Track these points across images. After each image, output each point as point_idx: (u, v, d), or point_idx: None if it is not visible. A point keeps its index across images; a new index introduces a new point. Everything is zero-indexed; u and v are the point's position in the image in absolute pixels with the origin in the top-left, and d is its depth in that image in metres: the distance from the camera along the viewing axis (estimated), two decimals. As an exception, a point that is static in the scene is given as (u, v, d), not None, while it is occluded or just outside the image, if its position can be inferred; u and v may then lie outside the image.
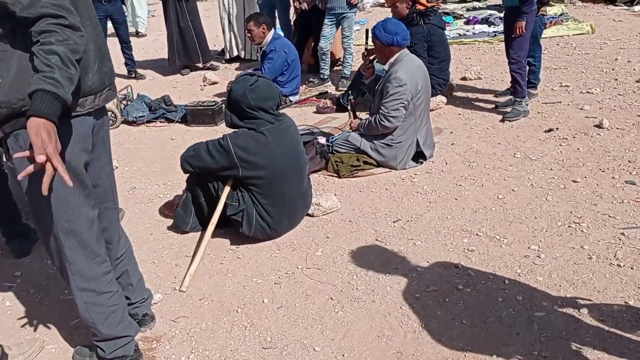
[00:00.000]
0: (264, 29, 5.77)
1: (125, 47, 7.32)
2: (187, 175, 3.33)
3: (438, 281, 2.69)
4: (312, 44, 6.96)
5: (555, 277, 2.65)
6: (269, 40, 5.85)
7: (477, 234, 3.09)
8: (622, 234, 2.96)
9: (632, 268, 2.67)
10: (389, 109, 3.89)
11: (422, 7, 5.14)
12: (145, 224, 3.51)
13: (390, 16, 5.36)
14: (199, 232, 3.30)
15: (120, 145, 4.99)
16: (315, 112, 5.61)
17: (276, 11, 7.40)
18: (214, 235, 3.18)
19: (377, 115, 3.96)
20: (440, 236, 3.11)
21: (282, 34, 7.42)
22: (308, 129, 5.05)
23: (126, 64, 7.45)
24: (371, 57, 4.44)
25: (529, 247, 2.92)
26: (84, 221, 1.90)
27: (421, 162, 4.13)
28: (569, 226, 3.09)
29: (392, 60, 4.05)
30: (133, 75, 7.42)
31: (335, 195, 3.64)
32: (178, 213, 3.33)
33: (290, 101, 6.03)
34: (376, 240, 3.13)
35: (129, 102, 5.81)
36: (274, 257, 3.06)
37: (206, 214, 3.26)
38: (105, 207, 2.13)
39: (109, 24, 7.15)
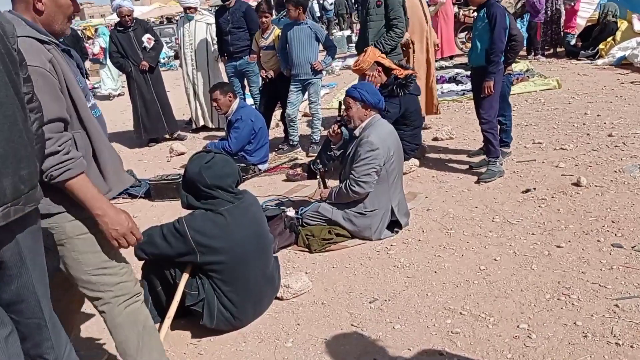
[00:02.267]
0: (230, 97, 5.64)
1: None
2: (142, 262, 3.05)
3: (421, 373, 2.41)
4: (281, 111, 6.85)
5: (550, 362, 2.40)
6: (234, 109, 5.71)
7: (460, 313, 2.84)
8: (616, 305, 2.73)
9: (632, 347, 2.43)
10: (360, 173, 3.70)
11: (401, 75, 5.04)
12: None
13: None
14: (157, 325, 2.98)
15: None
16: (285, 180, 5.40)
17: (246, 79, 7.32)
18: (173, 328, 2.88)
19: (348, 181, 3.76)
20: (421, 317, 2.85)
21: (251, 101, 7.32)
22: (277, 199, 4.84)
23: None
24: (339, 122, 4.30)
25: (517, 326, 2.67)
26: None
27: (397, 231, 3.91)
28: (558, 299, 2.86)
29: (363, 124, 3.90)
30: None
31: (306, 273, 3.38)
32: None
33: (259, 170, 5.83)
34: (352, 325, 2.84)
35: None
36: (239, 351, 2.75)
37: (164, 304, 2.96)
38: (35, 323, 1.86)
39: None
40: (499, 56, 4.58)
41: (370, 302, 3.04)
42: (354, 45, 8.01)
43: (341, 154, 4.21)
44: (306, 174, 5.34)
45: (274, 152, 6.23)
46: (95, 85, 13.10)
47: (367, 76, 5.22)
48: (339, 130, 4.24)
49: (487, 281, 3.12)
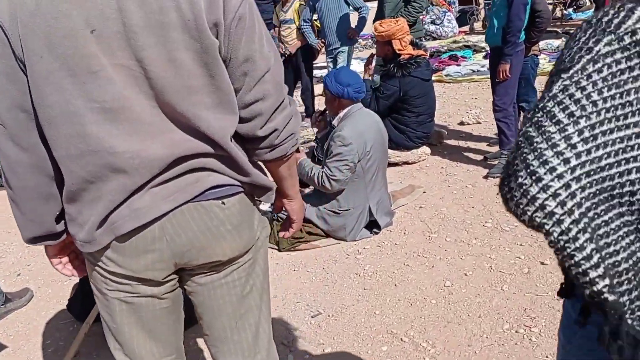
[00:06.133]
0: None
1: None
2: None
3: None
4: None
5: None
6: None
7: (401, 339, 2.53)
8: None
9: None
10: (332, 169, 3.40)
11: (406, 56, 4.60)
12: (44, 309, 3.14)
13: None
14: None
15: None
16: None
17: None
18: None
19: (321, 173, 3.46)
20: (357, 340, 2.57)
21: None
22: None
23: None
24: (322, 110, 3.99)
25: (457, 362, 2.34)
26: None
27: (376, 232, 3.60)
28: (516, 331, 2.47)
29: (341, 115, 3.57)
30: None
31: (259, 277, 3.16)
32: (69, 301, 2.94)
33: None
34: (282, 343, 2.61)
35: None
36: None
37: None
38: None
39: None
40: (516, 36, 4.06)
41: (312, 317, 2.79)
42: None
43: (322, 143, 3.90)
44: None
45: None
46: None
47: (385, 47, 4.78)
48: (320, 118, 3.93)
49: (447, 301, 2.77)
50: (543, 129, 0.76)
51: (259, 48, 1.23)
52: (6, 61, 1.16)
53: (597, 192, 0.76)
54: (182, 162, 1.23)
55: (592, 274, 0.75)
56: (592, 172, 0.75)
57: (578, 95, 0.76)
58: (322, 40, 6.28)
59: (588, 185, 0.75)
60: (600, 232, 0.77)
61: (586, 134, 0.76)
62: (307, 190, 3.94)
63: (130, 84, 1.15)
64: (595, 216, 0.76)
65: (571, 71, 0.78)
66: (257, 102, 1.26)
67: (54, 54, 1.12)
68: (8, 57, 1.16)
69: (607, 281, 0.75)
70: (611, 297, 0.76)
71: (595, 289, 0.75)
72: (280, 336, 2.66)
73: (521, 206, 0.76)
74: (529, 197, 0.75)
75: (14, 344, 2.88)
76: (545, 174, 0.74)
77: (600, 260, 0.76)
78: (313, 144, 5.16)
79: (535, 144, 0.76)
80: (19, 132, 1.20)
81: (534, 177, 0.75)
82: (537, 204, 0.75)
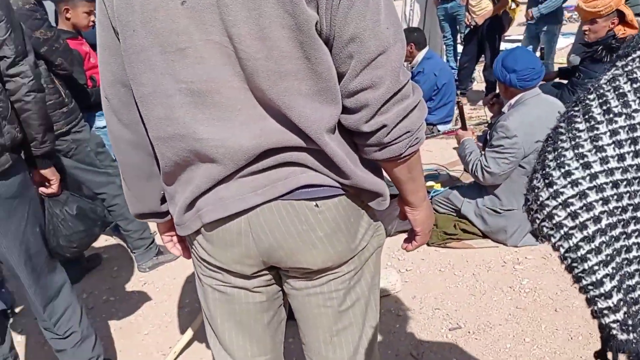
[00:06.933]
0: (411, 47, 5.10)
1: None
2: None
3: None
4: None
5: None
6: (419, 60, 5.18)
7: (552, 380, 2.12)
8: None
9: None
10: (488, 160, 2.99)
11: (624, 34, 3.80)
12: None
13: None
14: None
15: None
16: (455, 148, 4.75)
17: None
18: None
19: (477, 162, 3.08)
20: (498, 369, 2.21)
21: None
22: (435, 170, 4.32)
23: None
24: (497, 92, 3.52)
25: None
26: None
27: (542, 241, 3.10)
28: None
29: (512, 101, 3.10)
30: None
31: (399, 272, 2.92)
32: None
33: (438, 131, 5.26)
34: (410, 354, 2.36)
35: None
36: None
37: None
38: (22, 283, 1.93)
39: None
40: None
41: (450, 329, 2.48)
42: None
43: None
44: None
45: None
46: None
47: (588, 28, 4.06)
48: (494, 101, 3.47)
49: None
50: (572, 124, 0.64)
51: (371, 25, 0.97)
52: (107, 33, 1.10)
53: (627, 208, 0.62)
54: (272, 155, 1.06)
55: (601, 304, 0.64)
56: (623, 183, 0.62)
57: (625, 88, 0.62)
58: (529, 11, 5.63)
59: (615, 198, 0.62)
60: (620, 258, 0.64)
61: (622, 135, 0.62)
62: (466, 182, 3.55)
63: (221, 63, 1.00)
64: (619, 237, 0.63)
65: (628, 58, 0.63)
66: (364, 91, 1.01)
67: (146, 28, 1.01)
68: (108, 29, 1.09)
69: (619, 316, 0.64)
70: (621, 336, 0.64)
71: (603, 321, 0.64)
72: (409, 344, 2.41)
73: (531, 212, 0.68)
74: (538, 202, 0.66)
75: (157, 297, 3.03)
76: (558, 178, 0.64)
77: (614, 290, 0.63)
78: (486, 127, 4.68)
79: (559, 142, 0.65)
80: (120, 108, 1.15)
81: (546, 181, 0.65)
82: (545, 212, 0.65)
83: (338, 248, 1.16)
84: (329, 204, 1.12)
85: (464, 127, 3.50)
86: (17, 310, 3.03)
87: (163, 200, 1.28)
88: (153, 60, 1.03)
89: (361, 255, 1.23)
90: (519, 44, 5.93)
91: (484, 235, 3.20)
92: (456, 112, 3.69)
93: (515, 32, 8.86)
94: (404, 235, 3.25)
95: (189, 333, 2.51)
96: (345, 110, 1.06)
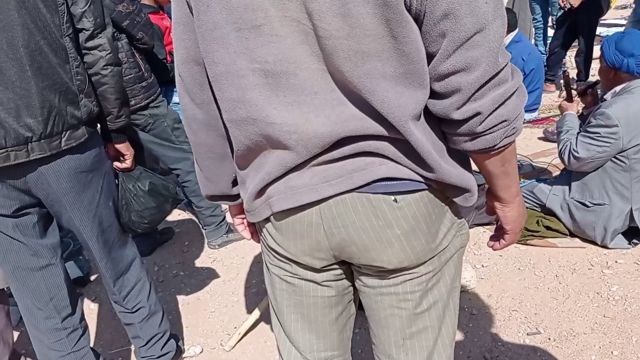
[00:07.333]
0: (498, 29, 4.81)
1: None
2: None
3: None
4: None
5: None
6: (506, 43, 4.88)
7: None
8: None
9: None
10: (578, 145, 2.75)
11: None
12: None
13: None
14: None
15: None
16: (540, 139, 4.48)
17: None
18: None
19: (567, 142, 2.84)
20: (580, 383, 2.04)
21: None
22: (518, 161, 4.07)
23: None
24: (594, 81, 3.22)
25: None
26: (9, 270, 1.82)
27: (635, 244, 2.85)
28: None
29: (617, 89, 2.83)
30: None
31: (474, 268, 2.76)
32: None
33: (524, 119, 4.96)
34: (484, 357, 2.22)
35: None
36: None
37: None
38: (93, 256, 1.95)
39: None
40: None
41: (528, 334, 2.31)
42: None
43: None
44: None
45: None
46: None
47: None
48: (590, 92, 3.18)
49: None
50: None
51: (468, 0, 0.84)
52: (181, 8, 1.04)
53: None
54: (349, 144, 0.98)
55: None
56: None
57: None
58: None
59: None
60: None
61: None
62: (555, 173, 3.31)
63: (298, 42, 0.92)
64: None
65: None
66: (457, 74, 0.90)
67: (221, 3, 0.94)
68: (182, 4, 1.04)
69: None
70: None
71: None
72: (483, 347, 2.27)
73: None
74: None
75: (226, 275, 3.03)
76: None
77: None
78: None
79: None
80: (193, 87, 1.10)
81: None
82: None
83: (416, 248, 1.06)
84: (409, 199, 1.02)
85: (569, 99, 3.23)
86: (92, 278, 3.13)
87: (235, 182, 1.24)
88: (227, 38, 0.96)
89: (441, 256, 1.13)
90: (619, 29, 5.48)
91: (571, 235, 2.98)
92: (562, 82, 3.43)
93: (612, 15, 8.25)
94: (481, 228, 3.08)
95: (255, 315, 2.48)
96: (434, 95, 0.95)
